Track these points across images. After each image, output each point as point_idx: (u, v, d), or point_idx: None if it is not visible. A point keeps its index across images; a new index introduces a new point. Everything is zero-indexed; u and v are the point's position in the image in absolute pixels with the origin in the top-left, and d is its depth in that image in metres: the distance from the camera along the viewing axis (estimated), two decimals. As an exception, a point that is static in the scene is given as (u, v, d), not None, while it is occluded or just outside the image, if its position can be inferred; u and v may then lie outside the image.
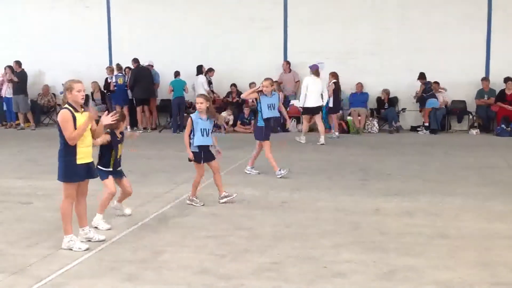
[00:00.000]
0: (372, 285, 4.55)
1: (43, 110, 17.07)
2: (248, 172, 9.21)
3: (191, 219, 6.53)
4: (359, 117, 14.86)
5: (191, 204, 7.10)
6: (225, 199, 7.19)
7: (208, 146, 7.13)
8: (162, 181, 8.52)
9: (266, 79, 8.99)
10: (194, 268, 4.92)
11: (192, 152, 7.04)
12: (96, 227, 6.03)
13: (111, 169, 6.23)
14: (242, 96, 10.01)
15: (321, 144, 12.46)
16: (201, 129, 6.97)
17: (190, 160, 7.12)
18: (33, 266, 4.96)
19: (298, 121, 15.47)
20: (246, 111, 15.21)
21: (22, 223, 6.36)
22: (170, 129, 15.40)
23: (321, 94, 12.79)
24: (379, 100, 15.24)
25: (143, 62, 15.55)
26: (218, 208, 6.95)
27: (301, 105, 12.98)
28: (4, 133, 15.50)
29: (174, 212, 6.81)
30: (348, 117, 15.00)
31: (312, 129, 13.88)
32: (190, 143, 7.03)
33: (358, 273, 4.77)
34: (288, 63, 15.71)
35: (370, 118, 15.09)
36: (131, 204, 6.98)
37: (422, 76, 14.66)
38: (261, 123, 8.93)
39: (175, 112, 15.10)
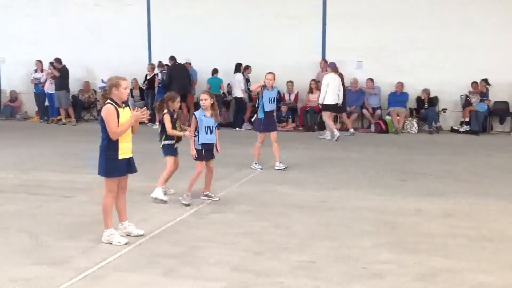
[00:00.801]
0: (412, 286, 4.47)
1: (83, 106, 17.40)
2: (277, 168, 9.33)
3: (228, 215, 6.54)
4: (398, 117, 14.64)
5: (183, 203, 6.96)
6: (206, 198, 7.23)
7: (212, 144, 7.11)
8: (201, 177, 8.54)
9: (270, 72, 9.39)
10: (231, 264, 4.93)
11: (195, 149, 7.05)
12: (156, 198, 7.00)
13: (174, 141, 7.18)
14: (251, 89, 10.13)
15: (326, 139, 12.99)
16: (205, 126, 6.98)
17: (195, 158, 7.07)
18: (75, 258, 5.06)
19: (335, 119, 15.34)
20: (284, 108, 15.16)
21: (64, 216, 6.49)
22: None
23: (337, 93, 13.11)
24: (419, 100, 14.98)
25: (181, 59, 15.67)
26: (255, 206, 6.95)
27: (321, 102, 13.25)
28: (46, 128, 15.84)
29: (212, 208, 6.84)
30: (387, 117, 14.79)
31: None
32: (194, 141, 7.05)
33: (398, 274, 4.70)
34: (326, 61, 15.56)
35: (410, 118, 14.85)
36: (171, 200, 7.08)
37: (487, 81, 14.36)
38: (261, 115, 9.33)
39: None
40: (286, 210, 6.74)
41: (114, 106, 5.34)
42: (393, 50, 15.20)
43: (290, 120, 15.24)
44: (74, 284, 4.50)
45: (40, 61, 16.79)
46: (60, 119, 16.56)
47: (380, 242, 5.53)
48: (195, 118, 6.98)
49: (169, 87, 15.21)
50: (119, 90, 5.39)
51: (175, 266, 4.88)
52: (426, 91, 14.79)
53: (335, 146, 12.05)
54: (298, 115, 15.45)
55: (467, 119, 14.35)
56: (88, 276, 4.66)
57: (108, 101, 5.39)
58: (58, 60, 16.18)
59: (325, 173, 9.00)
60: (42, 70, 16.77)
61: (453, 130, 14.76)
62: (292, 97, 15.67)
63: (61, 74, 16.06)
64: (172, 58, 15.55)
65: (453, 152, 11.28)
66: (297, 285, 4.47)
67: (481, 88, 14.32)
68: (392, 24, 15.15)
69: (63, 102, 16.29)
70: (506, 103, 14.72)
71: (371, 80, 15.12)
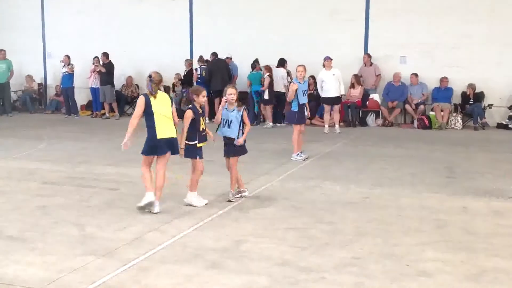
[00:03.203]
0: (460, 285, 4.38)
1: (127, 101, 17.67)
2: (293, 159, 9.58)
3: (271, 210, 6.55)
4: (442, 113, 14.34)
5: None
6: (238, 195, 7.00)
7: (232, 138, 6.89)
8: (241, 172, 8.54)
9: (300, 65, 9.67)
10: (275, 259, 4.93)
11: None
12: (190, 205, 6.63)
13: (197, 141, 6.61)
14: (289, 99, 9.78)
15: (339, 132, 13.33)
16: (224, 120, 6.90)
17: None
18: (121, 249, 5.15)
19: (378, 115, 15.17)
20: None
21: (110, 208, 6.62)
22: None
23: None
24: (464, 95, 14.64)
25: (223, 55, 15.73)
26: (297, 201, 6.93)
27: (341, 94, 13.87)
28: (90, 122, 16.19)
29: (254, 203, 6.85)
30: (431, 112, 14.51)
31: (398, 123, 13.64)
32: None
33: (444, 273, 4.61)
34: (369, 56, 15.39)
35: (454, 114, 14.52)
36: (212, 194, 7.13)
37: None
38: (295, 108, 9.55)
39: (252, 104, 15.21)
40: (329, 206, 6.70)
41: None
42: (438, 45, 14.90)
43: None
44: (120, 274, 4.58)
45: (68, 56, 16.94)
46: (104, 114, 16.87)
47: (425, 240, 5.43)
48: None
49: (209, 82, 15.30)
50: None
51: (219, 260, 4.91)
52: (472, 86, 14.44)
53: (377, 142, 11.91)
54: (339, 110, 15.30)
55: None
56: (133, 267, 4.74)
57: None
58: (105, 55, 16.42)
59: (367, 169, 8.91)
60: (69, 64, 16.88)
61: (499, 126, 14.36)
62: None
63: (106, 69, 16.33)
64: (214, 54, 15.63)
65: (501, 149, 10.98)
66: (341, 281, 4.44)
67: None
68: (438, 19, 14.85)
69: (107, 97, 16.56)
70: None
71: (416, 75, 14.86)
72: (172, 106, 6.53)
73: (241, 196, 7.02)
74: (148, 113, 6.37)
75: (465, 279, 4.50)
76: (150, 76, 6.39)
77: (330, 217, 6.23)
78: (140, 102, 6.38)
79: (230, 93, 6.89)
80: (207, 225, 5.98)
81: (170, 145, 6.45)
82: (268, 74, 14.60)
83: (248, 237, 5.53)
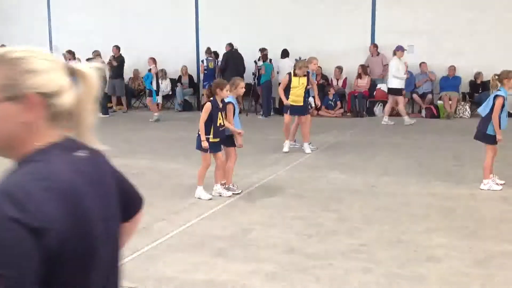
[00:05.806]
0: (467, 270, 4.38)
1: (133, 94, 17.64)
2: (304, 148, 9.53)
3: (277, 199, 6.56)
4: (450, 102, 14.27)
5: (233, 193, 6.73)
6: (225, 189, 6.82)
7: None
8: (249, 163, 8.57)
9: (315, 57, 9.92)
10: (282, 247, 4.95)
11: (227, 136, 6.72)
12: (199, 198, 6.49)
13: (210, 136, 6.39)
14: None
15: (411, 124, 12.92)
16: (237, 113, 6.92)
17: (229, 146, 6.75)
18: (129, 239, 5.18)
19: (385, 105, 15.11)
20: (331, 91, 14.87)
21: (117, 198, 6.64)
22: (253, 113, 15.36)
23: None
24: (472, 84, 14.54)
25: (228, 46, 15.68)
26: (304, 190, 6.93)
27: (401, 87, 13.33)
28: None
29: (261, 193, 6.86)
30: (439, 102, 14.44)
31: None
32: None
33: (452, 258, 4.61)
34: (376, 46, 15.30)
35: (462, 103, 14.44)
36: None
37: None
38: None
39: (265, 96, 15.12)
40: (336, 195, 6.70)
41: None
42: (446, 33, 14.78)
43: (338, 103, 15.04)
44: (128, 263, 4.60)
45: (69, 51, 16.60)
46: (111, 107, 16.85)
47: (432, 227, 5.43)
48: (233, 106, 6.71)
49: (224, 73, 15.20)
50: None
51: (226, 248, 4.93)
52: (480, 74, 14.35)
53: (385, 132, 11.88)
54: (346, 101, 15.27)
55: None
56: (142, 254, 4.77)
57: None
58: (117, 48, 16.30)
59: (374, 159, 8.89)
60: (74, 59, 16.81)
61: (509, 115, 14.23)
62: (340, 82, 15.50)
63: (118, 62, 16.26)
64: (230, 45, 15.56)
65: (507, 137, 10.88)
66: (348, 267, 4.45)
67: None
68: (446, 7, 14.72)
69: (118, 90, 16.46)
70: None
71: (425, 64, 14.76)
72: None
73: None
74: None
75: (472, 264, 4.50)
76: None
77: (337, 205, 6.23)
78: None
79: (242, 86, 6.92)
80: (215, 214, 6.00)
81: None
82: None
83: (255, 226, 5.54)
